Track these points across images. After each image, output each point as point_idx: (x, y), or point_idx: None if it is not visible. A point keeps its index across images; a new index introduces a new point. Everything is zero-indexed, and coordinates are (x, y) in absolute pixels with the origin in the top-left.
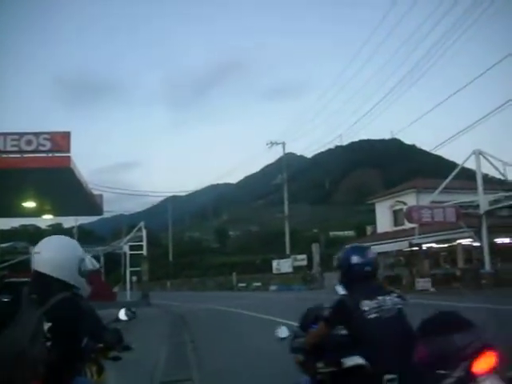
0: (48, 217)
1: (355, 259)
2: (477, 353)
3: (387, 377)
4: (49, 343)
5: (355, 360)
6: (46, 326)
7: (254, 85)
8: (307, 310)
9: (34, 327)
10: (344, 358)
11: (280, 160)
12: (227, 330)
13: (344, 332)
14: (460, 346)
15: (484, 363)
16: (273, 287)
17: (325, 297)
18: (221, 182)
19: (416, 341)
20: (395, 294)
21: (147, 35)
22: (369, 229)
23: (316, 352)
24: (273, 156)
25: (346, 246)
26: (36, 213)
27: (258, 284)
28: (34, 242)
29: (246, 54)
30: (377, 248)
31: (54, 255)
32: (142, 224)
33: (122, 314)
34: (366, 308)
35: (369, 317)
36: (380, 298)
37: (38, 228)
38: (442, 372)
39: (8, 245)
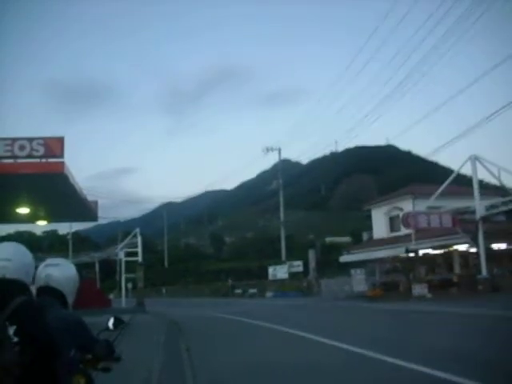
0: (42, 223)
1: None
2: None
3: None
4: (17, 347)
5: None
6: (11, 329)
7: (249, 92)
8: None
9: None
10: None
11: (275, 166)
12: (223, 338)
13: None
14: None
15: None
16: (269, 294)
17: (319, 304)
18: (216, 188)
19: None
20: None
21: (143, 42)
22: (365, 235)
23: None
24: (268, 162)
25: None
26: (30, 219)
27: (254, 290)
28: (30, 249)
29: (240, 62)
30: (373, 254)
31: (23, 260)
32: (137, 230)
33: (111, 323)
34: None
35: None
36: None
37: (32, 234)
38: None
39: None
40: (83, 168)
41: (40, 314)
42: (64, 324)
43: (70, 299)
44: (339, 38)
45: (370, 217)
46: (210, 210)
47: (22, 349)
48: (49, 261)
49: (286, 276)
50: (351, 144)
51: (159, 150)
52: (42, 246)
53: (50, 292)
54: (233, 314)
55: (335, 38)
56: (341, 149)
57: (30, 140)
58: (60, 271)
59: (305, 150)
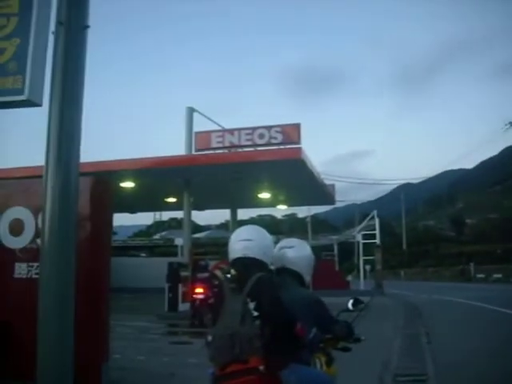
0: (282, 207)
1: None
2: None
3: None
4: (258, 321)
5: None
6: (252, 305)
7: (485, 63)
8: None
9: (241, 310)
10: None
11: None
12: (466, 325)
13: None
14: None
15: None
16: None
17: None
18: (455, 167)
19: None
20: None
21: (368, 22)
22: None
23: None
24: None
25: None
26: (271, 203)
27: (499, 276)
28: (271, 232)
29: (472, 30)
30: None
31: (263, 241)
32: (374, 213)
33: (351, 304)
34: None
35: None
36: None
37: (273, 218)
38: None
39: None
40: (319, 153)
41: (273, 290)
42: (304, 303)
43: (307, 279)
44: None
45: None
46: (448, 190)
47: (262, 322)
48: (284, 242)
49: None
50: None
51: (394, 130)
52: (281, 229)
53: (287, 272)
54: (475, 299)
55: None
56: None
57: (269, 128)
58: (295, 252)
59: None
